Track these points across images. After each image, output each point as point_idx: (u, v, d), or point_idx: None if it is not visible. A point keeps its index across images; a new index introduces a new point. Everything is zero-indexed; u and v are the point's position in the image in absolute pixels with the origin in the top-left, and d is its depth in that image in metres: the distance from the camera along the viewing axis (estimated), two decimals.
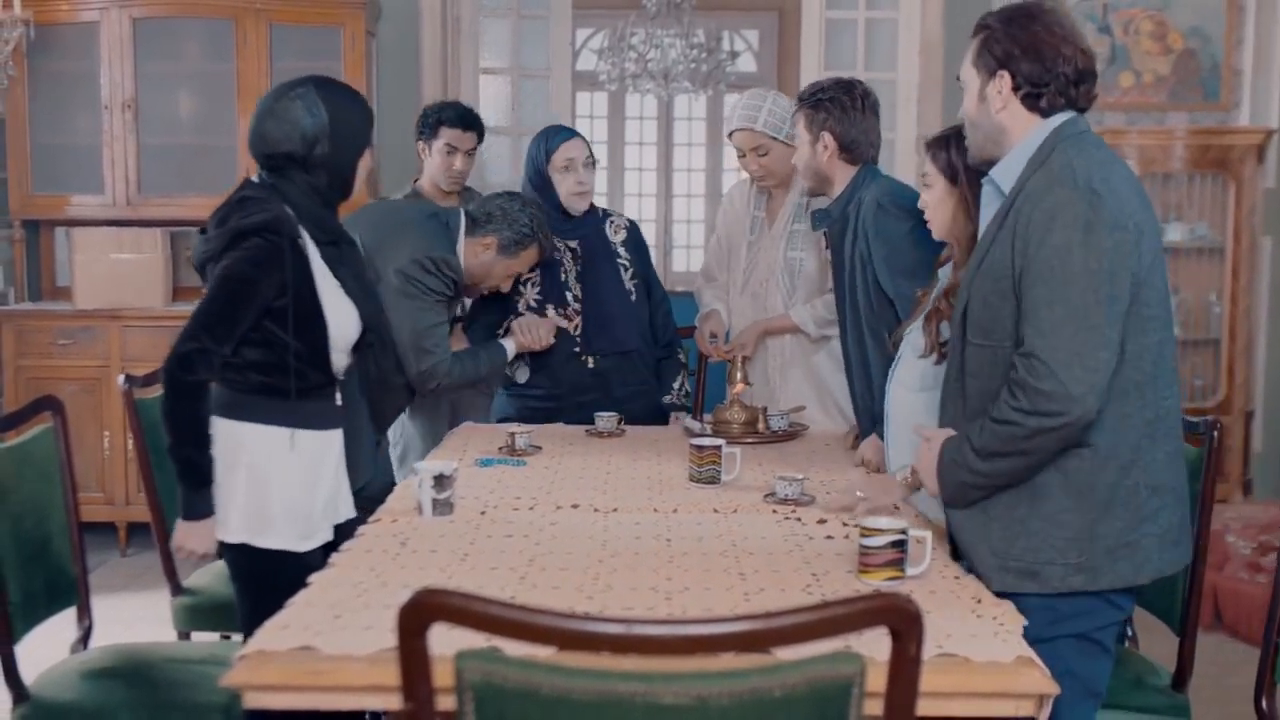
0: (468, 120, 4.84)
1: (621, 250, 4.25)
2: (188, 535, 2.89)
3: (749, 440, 3.81)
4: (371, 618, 2.24)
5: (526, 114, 7.13)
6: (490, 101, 6.96)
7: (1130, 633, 3.23)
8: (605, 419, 4.04)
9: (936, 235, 3.06)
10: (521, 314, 4.13)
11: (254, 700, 2.09)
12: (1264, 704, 2.76)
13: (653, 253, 4.70)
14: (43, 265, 6.50)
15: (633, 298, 4.23)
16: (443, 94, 6.48)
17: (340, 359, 3.00)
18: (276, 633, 2.17)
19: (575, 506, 3.10)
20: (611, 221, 4.29)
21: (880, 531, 2.48)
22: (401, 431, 4.91)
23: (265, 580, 2.80)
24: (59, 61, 6.18)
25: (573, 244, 4.18)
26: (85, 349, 5.97)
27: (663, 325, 4.36)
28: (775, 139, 4.07)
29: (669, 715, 1.58)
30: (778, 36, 10.89)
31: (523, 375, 4.15)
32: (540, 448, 3.77)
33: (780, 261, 4.15)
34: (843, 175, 3.61)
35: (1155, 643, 3.25)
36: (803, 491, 3.15)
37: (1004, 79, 2.55)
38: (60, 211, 6.29)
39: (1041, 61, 2.52)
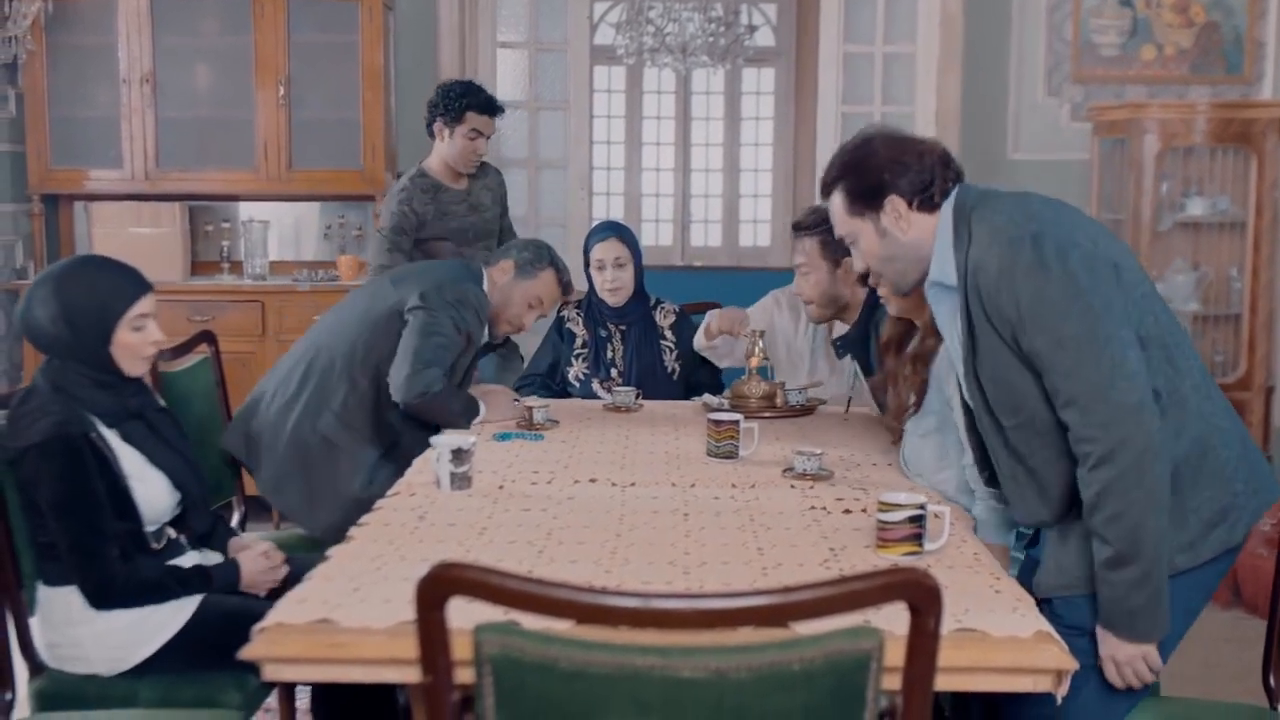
0: (493, 106, 4.89)
1: (668, 333, 4.52)
2: (251, 575, 2.93)
3: (767, 415, 3.81)
4: (390, 591, 2.24)
5: (544, 88, 7.12)
6: (508, 76, 6.95)
7: None
8: (623, 393, 4.04)
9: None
10: (573, 383, 4.43)
11: (273, 673, 2.10)
12: (1271, 680, 2.75)
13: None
14: (61, 239, 6.50)
15: (674, 376, 4.48)
16: (460, 68, 6.46)
17: (157, 531, 2.88)
18: (295, 606, 2.18)
19: (593, 480, 3.10)
20: (662, 308, 4.56)
21: (898, 506, 2.48)
22: None
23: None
24: (77, 35, 6.18)
25: (623, 327, 4.47)
26: None
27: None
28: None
29: (686, 689, 1.58)
30: (796, 10, 10.82)
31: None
32: (558, 422, 3.77)
33: (845, 366, 4.12)
34: (856, 299, 3.74)
35: None
36: (821, 466, 3.14)
37: (895, 203, 2.58)
38: (79, 186, 6.29)
39: (911, 170, 2.56)
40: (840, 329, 3.93)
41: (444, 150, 4.89)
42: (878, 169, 2.58)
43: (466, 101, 4.82)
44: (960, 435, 2.82)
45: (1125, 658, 2.38)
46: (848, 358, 3.97)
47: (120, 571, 2.71)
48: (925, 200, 2.56)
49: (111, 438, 2.78)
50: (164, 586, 2.77)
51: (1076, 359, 2.32)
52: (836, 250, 3.59)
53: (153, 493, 2.82)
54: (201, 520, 2.99)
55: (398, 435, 3.72)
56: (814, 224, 3.69)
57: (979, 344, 2.48)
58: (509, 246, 4.05)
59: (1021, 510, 2.58)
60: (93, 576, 2.69)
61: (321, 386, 3.72)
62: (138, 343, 2.81)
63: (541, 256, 3.94)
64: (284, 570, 2.99)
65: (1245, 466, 2.48)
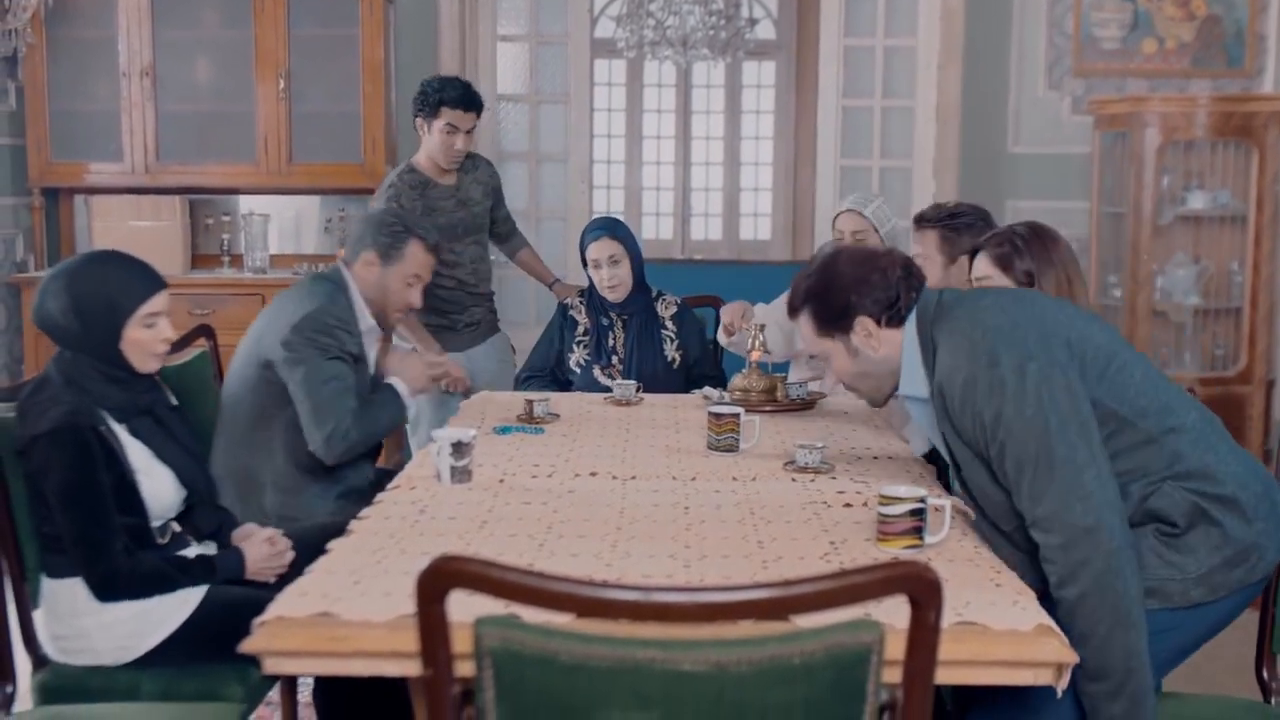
0: (468, 100, 4.80)
1: (669, 323, 4.56)
2: (257, 563, 2.94)
3: (768, 408, 3.81)
4: (390, 584, 2.24)
5: (544, 81, 7.11)
6: (508, 69, 6.94)
7: None
8: (623, 386, 4.04)
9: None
10: (574, 370, 4.43)
11: (274, 666, 2.10)
12: (1264, 673, 2.76)
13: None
14: (62, 233, 6.50)
15: (674, 365, 4.51)
16: (461, 61, 6.46)
17: (162, 526, 2.89)
18: (296, 599, 2.18)
19: (594, 474, 3.10)
20: (663, 299, 4.60)
21: (899, 500, 2.48)
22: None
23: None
24: (77, 29, 6.18)
25: (625, 316, 4.51)
26: None
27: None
28: (876, 230, 4.19)
29: (687, 682, 1.58)
30: (796, 3, 10.81)
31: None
32: (558, 415, 3.77)
33: None
34: None
35: None
36: (822, 460, 3.14)
37: (864, 323, 2.61)
38: (79, 179, 6.29)
39: (876, 289, 2.59)
40: None
41: (427, 146, 4.87)
42: (843, 290, 2.62)
43: (441, 96, 4.77)
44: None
45: None
46: None
47: (124, 564, 2.71)
48: (893, 316, 2.60)
49: (120, 432, 2.79)
50: (167, 577, 2.77)
51: (1034, 480, 2.34)
52: (955, 249, 3.59)
53: (159, 488, 2.83)
54: (208, 517, 2.99)
55: (344, 471, 3.62)
56: (937, 218, 3.68)
57: (960, 456, 2.52)
58: (359, 235, 3.74)
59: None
60: (97, 568, 2.70)
61: (247, 463, 3.57)
62: (148, 340, 2.82)
63: (398, 235, 3.69)
64: (289, 556, 3.00)
65: (1266, 505, 2.48)
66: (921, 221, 3.71)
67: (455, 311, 5.01)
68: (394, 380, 3.67)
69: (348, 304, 3.62)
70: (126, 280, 2.82)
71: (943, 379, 2.47)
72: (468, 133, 4.83)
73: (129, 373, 2.83)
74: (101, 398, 2.77)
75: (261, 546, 2.97)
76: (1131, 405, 2.43)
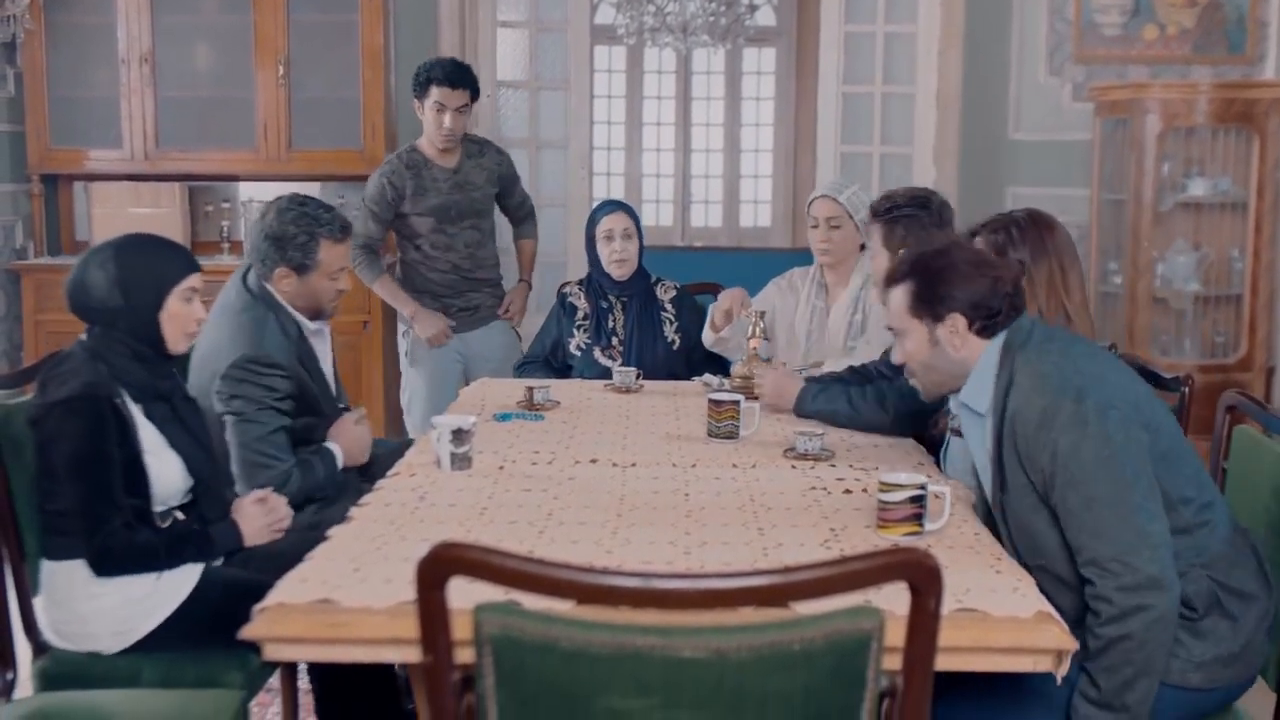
0: (455, 78, 4.81)
1: (668, 306, 4.57)
2: (254, 532, 2.95)
3: None
4: (390, 571, 2.24)
5: (544, 68, 7.09)
6: (508, 55, 6.93)
7: None
8: (624, 374, 4.04)
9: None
10: (574, 354, 4.43)
11: (273, 653, 2.11)
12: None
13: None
14: (61, 219, 6.49)
15: (674, 346, 4.51)
16: (460, 47, 6.44)
17: (164, 511, 2.89)
18: (296, 585, 2.18)
19: (594, 461, 3.10)
20: (662, 284, 4.61)
21: (899, 486, 2.48)
22: (406, 380, 5.10)
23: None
24: (76, 15, 6.16)
25: (624, 299, 4.51)
26: None
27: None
28: (850, 217, 4.15)
29: (687, 669, 1.58)
30: None
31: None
32: (558, 402, 3.77)
33: (841, 349, 4.14)
34: None
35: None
36: (822, 446, 3.14)
37: (957, 320, 2.58)
38: (78, 166, 6.28)
39: (987, 296, 2.56)
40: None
41: (424, 127, 4.93)
42: (953, 282, 2.58)
43: (430, 74, 4.81)
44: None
45: None
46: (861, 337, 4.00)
47: (121, 538, 2.73)
48: (986, 327, 2.57)
49: (135, 412, 2.81)
50: (163, 552, 2.78)
51: (1104, 521, 2.33)
52: (893, 240, 3.56)
53: (167, 473, 2.84)
54: (214, 509, 2.99)
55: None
56: (877, 210, 3.62)
57: (1008, 481, 2.50)
58: (264, 253, 3.44)
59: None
60: (95, 541, 2.71)
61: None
62: (185, 315, 2.90)
63: (305, 246, 3.43)
64: (286, 513, 3.04)
65: (1268, 621, 2.50)
66: (872, 215, 3.69)
67: (449, 295, 5.04)
68: (332, 445, 3.45)
69: (278, 326, 3.40)
70: (171, 253, 2.95)
71: (1019, 406, 2.45)
72: (457, 110, 4.84)
73: (157, 352, 2.88)
74: (124, 373, 2.80)
75: (253, 510, 2.98)
76: (1179, 493, 2.44)
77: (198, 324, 2.95)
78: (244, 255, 3.49)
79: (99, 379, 2.74)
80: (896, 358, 2.75)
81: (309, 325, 3.51)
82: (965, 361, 2.60)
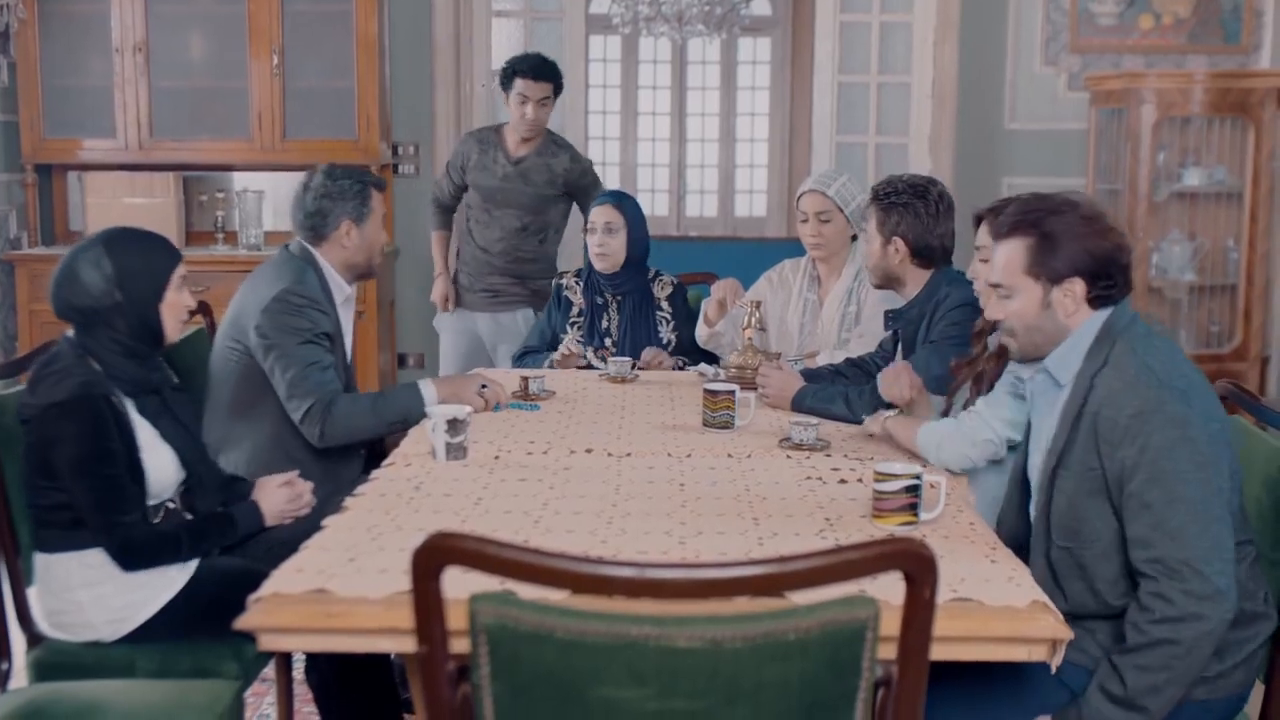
0: (539, 71, 5.11)
1: (664, 304, 4.51)
2: (276, 513, 2.99)
3: None
4: (386, 561, 2.24)
5: None
6: (503, 45, 6.91)
7: None
8: (619, 363, 4.03)
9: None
10: (569, 352, 4.34)
11: (269, 643, 2.11)
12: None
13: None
14: (55, 209, 6.48)
15: (669, 347, 4.45)
16: (455, 37, 6.44)
17: (156, 506, 2.88)
18: (291, 575, 2.18)
19: (589, 451, 3.10)
20: (660, 280, 4.54)
21: (894, 476, 2.48)
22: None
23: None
24: (69, 4, 6.14)
25: (619, 296, 4.46)
26: None
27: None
28: (841, 210, 4.12)
29: (682, 658, 1.58)
30: None
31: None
32: (554, 392, 3.77)
33: (834, 341, 4.12)
34: (915, 277, 3.57)
35: None
36: (818, 437, 3.14)
37: (1077, 285, 2.48)
38: (72, 155, 6.27)
39: (1109, 261, 2.47)
40: (892, 303, 3.81)
41: (510, 117, 5.26)
42: (1078, 244, 2.47)
43: (514, 66, 5.14)
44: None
45: None
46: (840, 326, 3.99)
47: (142, 529, 2.75)
48: (1101, 297, 2.49)
49: (129, 407, 2.81)
50: (183, 538, 2.80)
51: (1185, 524, 2.27)
52: (886, 228, 3.54)
53: (160, 465, 2.84)
54: (208, 501, 2.99)
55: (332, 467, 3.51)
56: (876, 194, 3.58)
57: (1072, 458, 2.43)
58: (322, 212, 3.60)
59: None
60: (117, 535, 2.72)
61: (226, 449, 3.50)
62: (180, 303, 2.93)
63: (360, 192, 3.61)
64: (309, 498, 3.07)
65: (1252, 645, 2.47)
66: (872, 197, 3.65)
67: (472, 273, 5.37)
68: (423, 383, 3.54)
69: (317, 281, 3.56)
70: (160, 244, 2.97)
71: (1114, 391, 2.36)
72: (539, 102, 5.12)
73: (149, 345, 2.89)
74: (116, 371, 2.80)
75: (278, 492, 3.00)
76: (1234, 520, 2.40)
77: (188, 311, 2.97)
78: (293, 228, 3.58)
79: (93, 378, 2.73)
80: (993, 314, 2.62)
81: (341, 292, 3.63)
82: (1067, 330, 2.51)
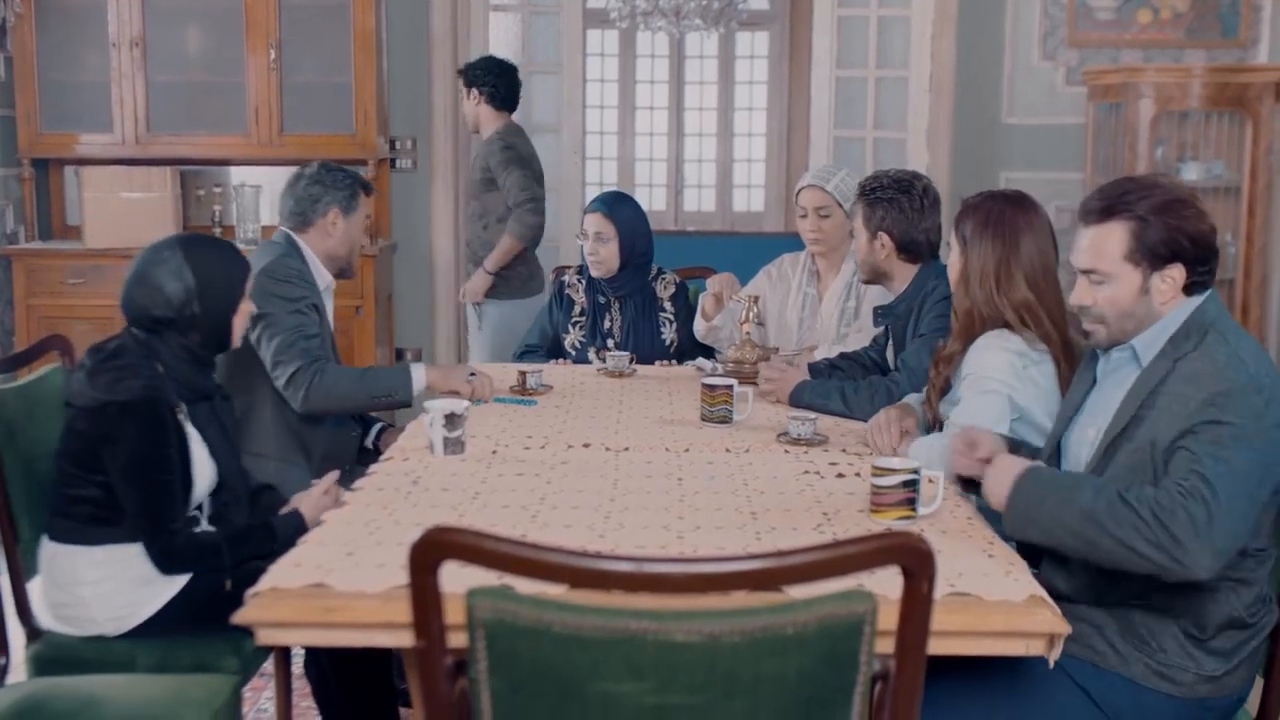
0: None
1: (667, 305, 4.47)
2: (315, 516, 2.91)
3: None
4: (384, 555, 2.24)
5: (537, 51, 7.08)
6: (500, 38, 6.91)
7: None
8: (616, 358, 4.03)
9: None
10: (569, 351, 4.37)
11: (267, 637, 2.11)
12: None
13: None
14: (52, 204, 6.47)
15: (672, 348, 4.43)
16: (453, 30, 6.43)
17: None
18: (289, 570, 2.18)
19: (587, 445, 3.10)
20: (663, 279, 4.49)
21: (892, 471, 2.48)
22: None
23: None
24: None
25: (621, 296, 4.41)
26: (95, 288, 5.95)
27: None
28: (840, 205, 4.12)
29: (680, 653, 1.58)
30: None
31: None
32: (551, 387, 3.77)
33: (833, 336, 4.12)
34: (902, 272, 3.57)
35: None
36: (815, 431, 3.15)
37: (1178, 271, 2.42)
38: (69, 150, 6.26)
39: (1207, 249, 2.42)
40: (886, 299, 3.81)
41: None
42: (1183, 229, 2.40)
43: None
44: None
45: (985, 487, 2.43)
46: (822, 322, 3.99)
47: (184, 537, 2.76)
48: (1195, 284, 2.44)
49: (183, 416, 2.82)
50: (223, 548, 2.78)
51: (1223, 476, 2.21)
52: (871, 223, 3.54)
53: (202, 474, 2.85)
54: (240, 513, 2.99)
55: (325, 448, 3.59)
56: (862, 189, 3.59)
57: (1138, 432, 2.38)
58: (312, 198, 3.65)
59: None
60: (162, 541, 2.73)
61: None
62: (248, 311, 3.02)
63: (354, 187, 3.68)
64: (344, 498, 3.05)
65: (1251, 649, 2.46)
66: (859, 192, 3.66)
67: (467, 259, 5.76)
68: (415, 365, 3.60)
69: (301, 263, 3.60)
70: (235, 255, 3.03)
71: (1195, 372, 2.32)
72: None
73: (214, 352, 2.95)
74: (178, 376, 2.82)
75: (321, 500, 2.95)
76: (1262, 528, 2.40)
77: (250, 317, 3.07)
78: (280, 218, 3.62)
79: (158, 382, 2.75)
80: (1082, 299, 2.53)
81: (324, 279, 3.65)
82: (1158, 315, 2.46)
